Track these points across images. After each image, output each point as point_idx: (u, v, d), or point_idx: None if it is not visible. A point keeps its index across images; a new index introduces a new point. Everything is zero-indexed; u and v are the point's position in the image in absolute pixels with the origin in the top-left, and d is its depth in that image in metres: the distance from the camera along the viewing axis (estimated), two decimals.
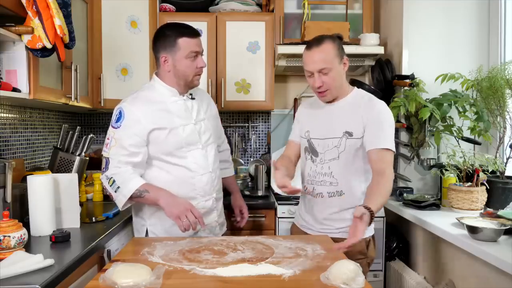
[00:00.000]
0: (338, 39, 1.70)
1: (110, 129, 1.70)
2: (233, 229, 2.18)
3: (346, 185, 1.69)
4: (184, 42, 1.69)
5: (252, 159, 3.11)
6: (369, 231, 1.73)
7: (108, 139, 1.70)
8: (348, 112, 1.69)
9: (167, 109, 1.74)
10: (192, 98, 1.82)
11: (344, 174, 1.69)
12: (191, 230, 1.62)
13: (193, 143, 1.77)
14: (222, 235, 1.91)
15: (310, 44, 1.67)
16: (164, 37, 1.71)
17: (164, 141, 1.71)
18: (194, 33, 1.72)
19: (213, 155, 1.86)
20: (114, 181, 1.65)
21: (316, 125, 1.76)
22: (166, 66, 1.73)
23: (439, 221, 1.93)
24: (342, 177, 1.69)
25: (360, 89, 1.77)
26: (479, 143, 2.32)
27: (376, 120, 1.64)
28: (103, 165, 1.70)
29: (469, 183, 2.06)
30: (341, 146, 1.67)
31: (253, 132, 3.11)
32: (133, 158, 1.68)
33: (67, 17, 1.77)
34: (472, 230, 1.64)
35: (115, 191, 1.65)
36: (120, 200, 1.66)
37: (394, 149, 1.64)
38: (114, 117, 1.70)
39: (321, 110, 1.77)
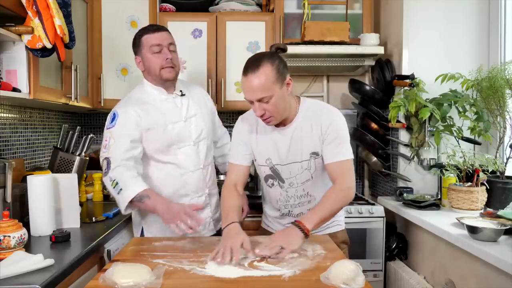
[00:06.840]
0: (278, 56, 1.54)
1: (106, 131, 1.71)
2: None
3: (323, 194, 1.60)
4: (145, 39, 1.74)
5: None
6: (342, 225, 1.78)
7: (106, 140, 1.69)
8: (305, 132, 1.60)
9: (157, 109, 1.77)
10: (182, 95, 1.84)
11: (320, 189, 1.65)
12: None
13: (183, 140, 1.79)
14: None
15: (247, 68, 1.50)
16: (134, 41, 1.80)
17: (156, 140, 1.73)
18: (154, 29, 1.76)
19: (205, 151, 1.86)
20: (117, 183, 1.60)
21: (275, 151, 1.64)
22: (141, 66, 1.80)
23: (439, 221, 1.93)
24: (318, 191, 1.65)
25: (306, 101, 1.67)
26: (479, 143, 2.32)
27: (331, 134, 1.58)
28: (105, 167, 1.66)
29: (469, 183, 2.06)
30: (312, 167, 1.62)
31: None
32: (134, 151, 1.68)
33: (67, 17, 1.77)
34: (472, 230, 1.64)
35: (118, 193, 1.60)
36: (122, 204, 1.61)
37: (352, 156, 1.58)
38: (108, 120, 1.73)
39: (276, 135, 1.64)
